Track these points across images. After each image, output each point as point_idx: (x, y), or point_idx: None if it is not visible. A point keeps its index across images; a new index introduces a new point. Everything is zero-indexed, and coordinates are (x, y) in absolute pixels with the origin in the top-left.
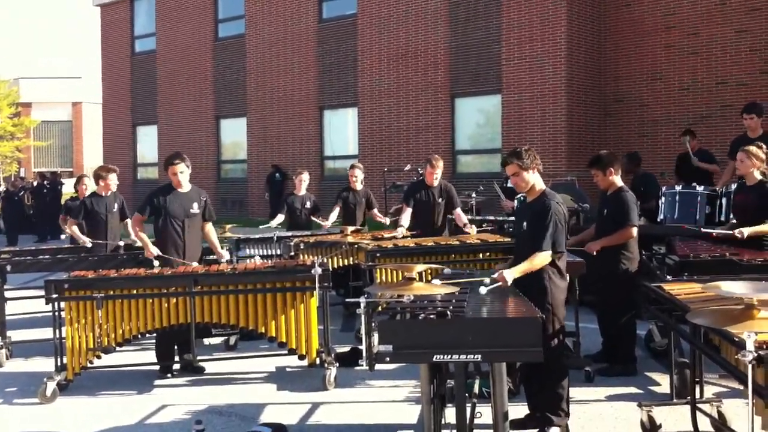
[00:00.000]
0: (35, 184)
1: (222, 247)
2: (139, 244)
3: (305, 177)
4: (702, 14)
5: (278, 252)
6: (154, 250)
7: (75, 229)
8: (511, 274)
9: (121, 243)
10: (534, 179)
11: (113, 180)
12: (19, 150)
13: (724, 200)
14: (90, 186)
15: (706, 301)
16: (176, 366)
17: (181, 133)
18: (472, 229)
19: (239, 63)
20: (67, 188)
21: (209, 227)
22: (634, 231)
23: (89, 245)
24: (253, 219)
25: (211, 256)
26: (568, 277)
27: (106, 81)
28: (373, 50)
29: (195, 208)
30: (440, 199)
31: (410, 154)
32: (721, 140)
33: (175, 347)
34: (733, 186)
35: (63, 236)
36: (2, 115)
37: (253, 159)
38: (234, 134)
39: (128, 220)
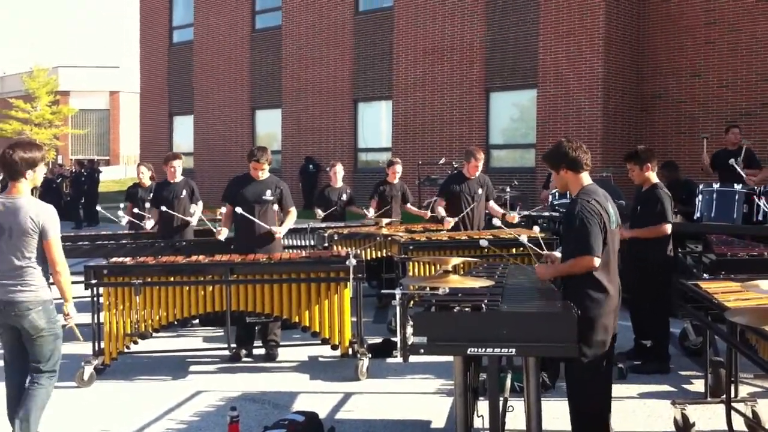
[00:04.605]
0: (73, 171)
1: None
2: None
3: (339, 168)
4: (743, 10)
5: (312, 243)
6: (222, 234)
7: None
8: (546, 271)
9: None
10: (568, 179)
11: (174, 166)
12: (57, 138)
13: (762, 199)
14: (145, 174)
15: (744, 300)
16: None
17: (217, 124)
18: (513, 217)
19: (275, 54)
20: (105, 176)
21: (289, 212)
22: (668, 228)
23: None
24: None
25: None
26: (611, 289)
27: (143, 71)
28: (408, 43)
29: (267, 195)
30: (480, 190)
31: (443, 147)
32: (761, 138)
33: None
34: None
35: (124, 221)
36: (41, 102)
37: (288, 150)
38: (269, 125)
39: (199, 203)
